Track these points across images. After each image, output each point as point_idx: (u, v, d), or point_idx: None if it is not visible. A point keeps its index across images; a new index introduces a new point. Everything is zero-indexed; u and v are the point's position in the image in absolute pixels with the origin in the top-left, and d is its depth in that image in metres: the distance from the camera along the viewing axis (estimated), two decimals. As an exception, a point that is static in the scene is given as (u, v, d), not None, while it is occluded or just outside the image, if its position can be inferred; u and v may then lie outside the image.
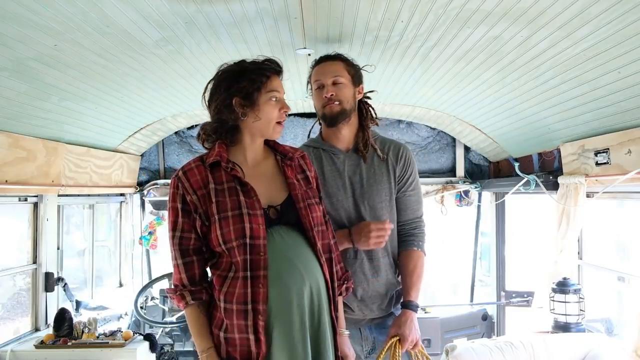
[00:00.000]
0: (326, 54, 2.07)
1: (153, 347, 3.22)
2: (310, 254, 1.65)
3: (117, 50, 2.34)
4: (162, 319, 4.10)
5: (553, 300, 3.13)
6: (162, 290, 4.19)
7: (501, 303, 4.21)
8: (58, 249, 3.51)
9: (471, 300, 4.69)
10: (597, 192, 2.86)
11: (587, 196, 2.91)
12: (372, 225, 1.90)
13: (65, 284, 3.47)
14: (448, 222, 4.69)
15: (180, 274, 1.64)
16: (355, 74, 2.02)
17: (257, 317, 1.54)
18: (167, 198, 1.69)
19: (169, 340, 4.00)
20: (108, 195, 4.18)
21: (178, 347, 4.03)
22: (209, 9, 2.00)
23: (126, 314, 4.11)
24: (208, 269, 1.70)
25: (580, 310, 3.07)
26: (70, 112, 2.98)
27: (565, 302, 3.08)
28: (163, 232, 4.45)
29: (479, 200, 4.61)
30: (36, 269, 3.29)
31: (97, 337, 3.12)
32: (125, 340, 3.09)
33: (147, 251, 4.62)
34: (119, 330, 3.20)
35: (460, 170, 4.58)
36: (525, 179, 3.47)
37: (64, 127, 3.11)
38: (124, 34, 2.16)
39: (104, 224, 4.42)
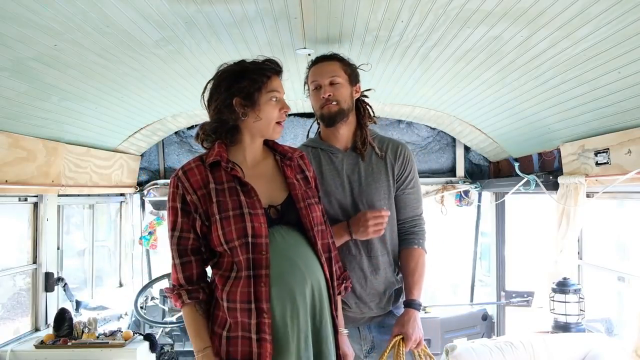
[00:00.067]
0: (322, 54, 2.07)
1: (153, 347, 3.22)
2: (310, 254, 1.66)
3: (117, 50, 2.34)
4: (162, 319, 4.10)
5: (553, 300, 3.13)
6: (162, 290, 4.19)
7: (501, 303, 4.21)
8: (58, 249, 3.51)
9: (471, 300, 4.69)
10: (597, 192, 2.86)
11: (587, 196, 2.91)
12: (369, 214, 1.90)
13: (65, 284, 3.47)
14: (448, 222, 4.69)
15: (177, 273, 1.65)
16: (352, 74, 2.03)
17: (261, 316, 1.54)
18: (167, 198, 1.69)
19: (169, 340, 4.00)
20: (108, 195, 4.18)
21: (178, 347, 4.03)
22: (209, 9, 2.00)
23: (126, 314, 4.11)
24: (208, 269, 1.71)
25: (580, 310, 3.07)
26: (70, 112, 2.98)
27: (565, 302, 3.08)
28: (163, 232, 4.45)
29: (479, 200, 4.61)
30: (36, 269, 3.29)
31: (97, 337, 3.12)
32: (125, 340, 3.09)
33: (147, 251, 4.62)
34: (119, 330, 3.20)
35: (460, 170, 4.58)
36: (525, 179, 3.47)
37: (64, 127, 3.11)
38: (124, 34, 2.17)
39: (104, 224, 4.42)
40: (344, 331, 1.81)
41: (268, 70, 1.67)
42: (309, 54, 2.58)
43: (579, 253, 3.29)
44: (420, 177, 2.17)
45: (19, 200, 3.15)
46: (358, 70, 2.07)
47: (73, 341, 3.05)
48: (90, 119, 3.24)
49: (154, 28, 2.14)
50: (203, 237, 1.64)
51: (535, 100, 2.83)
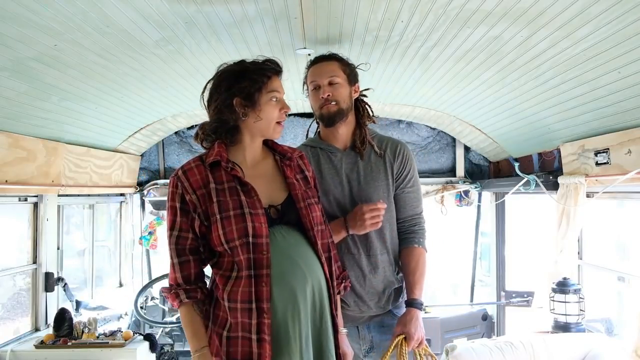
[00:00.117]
0: (321, 54, 2.07)
1: (153, 347, 3.22)
2: (311, 253, 1.66)
3: (117, 50, 2.34)
4: (162, 319, 4.10)
5: (553, 300, 3.13)
6: (162, 290, 4.19)
7: (501, 303, 4.21)
8: (58, 249, 3.51)
9: (471, 300, 4.69)
10: (597, 192, 2.86)
11: (587, 196, 2.91)
12: (365, 208, 1.90)
13: (65, 284, 3.47)
14: (448, 222, 4.69)
15: (175, 273, 1.65)
16: (351, 73, 2.03)
17: (262, 316, 1.54)
18: (166, 198, 1.69)
19: (169, 340, 4.00)
20: (108, 195, 4.18)
21: (178, 347, 4.03)
22: (209, 9, 2.00)
23: (126, 314, 4.11)
24: (207, 269, 1.71)
25: (580, 310, 3.07)
26: (70, 112, 2.98)
27: (565, 302, 3.08)
28: (163, 232, 4.45)
29: (479, 200, 4.61)
30: (36, 269, 3.29)
31: (97, 337, 3.12)
32: (125, 340, 3.09)
33: (147, 251, 4.62)
34: (119, 330, 3.20)
35: (460, 170, 4.58)
36: (525, 179, 3.47)
37: (64, 127, 3.11)
38: (124, 34, 2.17)
39: (104, 224, 4.42)
40: (343, 330, 1.81)
41: (268, 70, 1.67)
42: (309, 54, 2.58)
43: (579, 253, 3.29)
44: (420, 177, 2.17)
45: (19, 200, 3.15)
46: (357, 70, 2.07)
47: (73, 341, 3.05)
48: (90, 119, 3.24)
49: (154, 28, 2.14)
50: (202, 237, 1.64)
51: (535, 100, 2.83)
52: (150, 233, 4.48)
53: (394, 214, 2.06)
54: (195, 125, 4.31)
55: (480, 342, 3.00)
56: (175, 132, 4.45)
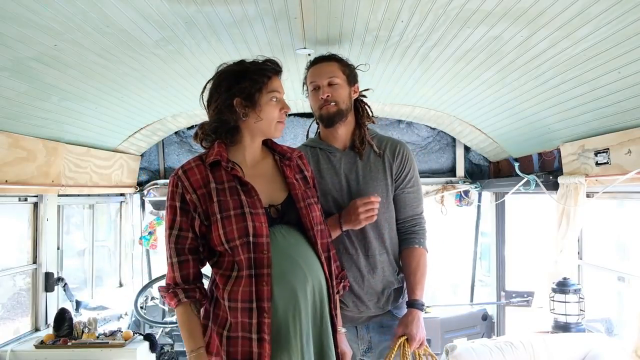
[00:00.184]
0: (320, 54, 2.07)
1: (153, 347, 3.22)
2: (311, 253, 1.67)
3: (117, 50, 2.34)
4: (162, 319, 4.10)
5: (553, 300, 3.13)
6: (159, 289, 4.18)
7: (501, 303, 4.21)
8: (58, 249, 3.51)
9: (471, 300, 4.69)
10: (597, 192, 2.86)
11: (587, 196, 2.91)
12: (358, 202, 1.90)
13: (65, 284, 3.46)
14: (448, 222, 4.69)
15: (174, 272, 1.64)
16: (350, 74, 2.04)
17: (262, 316, 1.54)
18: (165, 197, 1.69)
19: (169, 340, 4.01)
20: (108, 195, 4.18)
21: (178, 347, 4.03)
22: (209, 9, 2.00)
23: (126, 314, 4.11)
24: (207, 269, 1.71)
25: (580, 310, 3.07)
26: (70, 112, 2.98)
27: (565, 302, 3.08)
28: (163, 232, 4.44)
29: (479, 200, 4.61)
30: (36, 269, 3.29)
31: (97, 337, 3.12)
32: (125, 340, 3.09)
33: (147, 251, 4.62)
34: (119, 330, 3.20)
35: (460, 170, 4.58)
36: (525, 179, 3.47)
37: (64, 127, 3.11)
38: (124, 34, 2.17)
39: (104, 224, 4.42)
40: (342, 330, 1.81)
41: (268, 70, 1.67)
42: (309, 54, 2.58)
43: (579, 253, 3.29)
44: (420, 177, 2.16)
45: (19, 200, 3.15)
46: (357, 70, 2.07)
47: (73, 341, 3.05)
48: (90, 119, 3.24)
49: (154, 28, 2.14)
50: (202, 237, 1.64)
51: (535, 100, 2.83)
52: (150, 233, 4.48)
53: (393, 214, 2.06)
54: (195, 125, 4.30)
55: (480, 342, 3.00)
56: (175, 132, 4.45)
